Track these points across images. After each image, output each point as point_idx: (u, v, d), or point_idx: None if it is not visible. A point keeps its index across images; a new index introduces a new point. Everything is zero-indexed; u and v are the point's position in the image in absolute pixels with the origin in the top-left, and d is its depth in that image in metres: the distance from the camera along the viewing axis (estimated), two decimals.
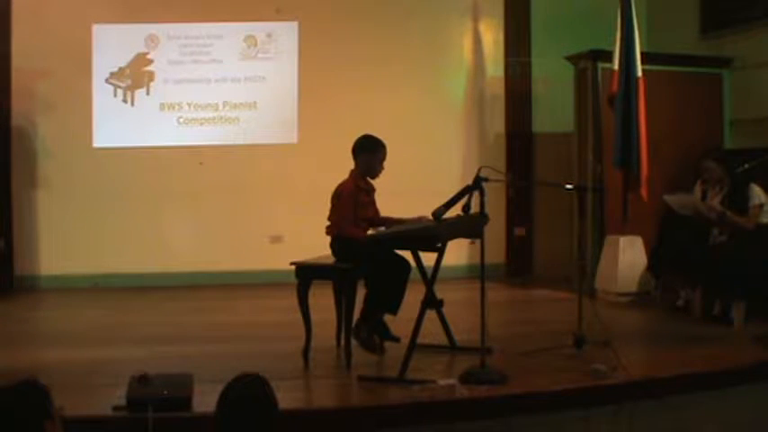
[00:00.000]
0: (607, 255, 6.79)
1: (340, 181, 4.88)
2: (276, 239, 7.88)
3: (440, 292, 4.65)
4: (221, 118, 8.07)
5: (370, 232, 4.62)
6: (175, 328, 5.90)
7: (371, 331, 4.74)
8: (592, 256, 6.97)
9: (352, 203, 4.74)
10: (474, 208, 4.35)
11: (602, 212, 7.02)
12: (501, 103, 8.40)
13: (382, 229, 4.77)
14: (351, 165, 4.91)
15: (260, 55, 8.12)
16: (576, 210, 7.04)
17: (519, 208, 8.29)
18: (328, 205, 4.87)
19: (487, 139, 8.43)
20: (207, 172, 7.94)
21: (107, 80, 7.92)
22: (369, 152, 4.86)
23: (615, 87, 6.54)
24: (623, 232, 6.72)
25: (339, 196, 4.78)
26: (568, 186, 5.40)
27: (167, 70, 8.00)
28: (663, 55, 7.30)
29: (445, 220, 4.39)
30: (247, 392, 2.68)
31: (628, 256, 6.64)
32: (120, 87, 7.95)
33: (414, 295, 4.62)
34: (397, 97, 8.03)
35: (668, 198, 6.15)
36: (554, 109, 8.02)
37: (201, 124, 8.05)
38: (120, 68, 7.95)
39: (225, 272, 7.87)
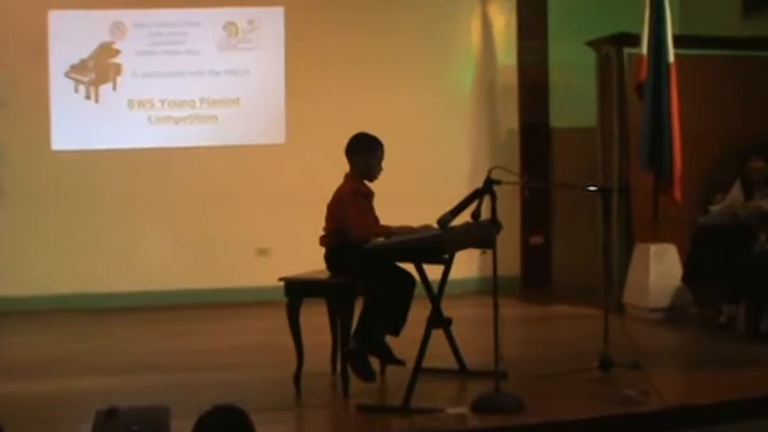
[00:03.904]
0: (636, 265, 6.79)
1: (333, 186, 4.88)
2: (262, 252, 7.88)
3: (447, 309, 4.64)
4: (199, 116, 8.09)
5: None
6: (148, 354, 5.90)
7: (365, 353, 4.72)
8: (619, 266, 6.96)
9: (355, 204, 4.75)
10: (484, 214, 4.35)
11: (629, 217, 7.02)
12: (514, 95, 8.41)
13: (382, 239, 4.76)
14: (345, 167, 4.91)
15: (242, 45, 8.13)
16: (601, 214, 7.03)
17: (535, 213, 8.30)
18: (321, 213, 4.87)
19: (499, 135, 8.44)
20: (183, 177, 7.95)
21: (67, 74, 7.92)
22: (365, 152, 4.86)
23: (643, 75, 6.54)
24: (654, 239, 6.72)
25: (339, 201, 4.79)
26: (591, 188, 5.39)
27: (136, 62, 8.00)
28: (699, 37, 7.31)
29: (452, 228, 4.37)
30: (222, 426, 2.68)
31: (660, 267, 6.63)
32: (82, 82, 7.95)
33: (418, 313, 4.62)
34: (397, 91, 8.05)
35: (704, 221, 6.16)
36: (574, 101, 8.03)
37: (176, 123, 8.06)
38: (82, 60, 7.95)
39: (204, 290, 7.86)
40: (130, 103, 8.01)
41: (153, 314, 7.42)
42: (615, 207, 6.93)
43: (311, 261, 4.93)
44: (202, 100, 8.09)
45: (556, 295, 8.00)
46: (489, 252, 4.36)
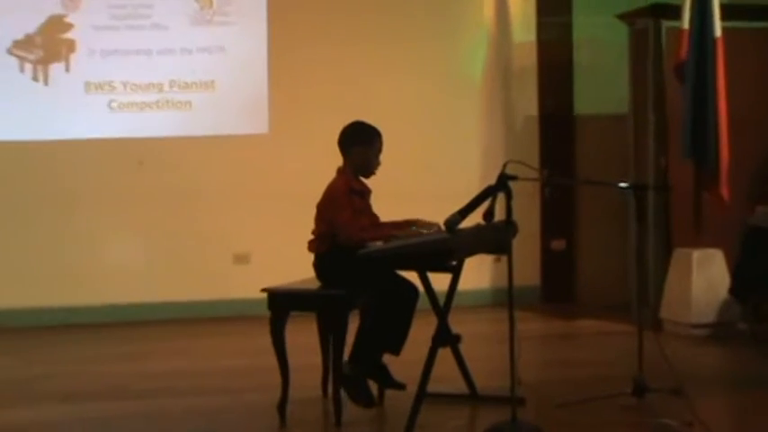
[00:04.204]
0: (676, 274, 6.79)
1: (323, 182, 4.89)
2: (241, 259, 7.88)
3: (456, 324, 4.68)
4: (167, 102, 8.08)
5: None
6: (107, 378, 5.88)
7: (363, 376, 4.72)
8: (655, 275, 6.97)
9: (348, 203, 4.77)
10: (498, 215, 4.35)
11: (667, 218, 7.04)
12: (533, 78, 8.43)
13: (380, 243, 4.76)
14: (337, 161, 4.92)
15: (217, 18, 8.12)
16: (633, 215, 7.03)
17: (557, 214, 8.32)
18: (309, 213, 4.87)
19: (515, 124, 8.45)
20: (149, 172, 7.94)
21: (10, 50, 7.89)
22: (362, 144, 4.87)
23: (684, 53, 6.54)
24: (697, 244, 6.72)
25: (331, 200, 4.79)
26: (622, 185, 5.39)
27: (93, 38, 7.97)
28: (751, 7, 7.31)
29: (461, 230, 4.37)
30: None
31: (704, 276, 6.64)
32: (28, 60, 7.92)
33: (422, 329, 4.61)
34: (397, 73, 8.06)
35: (756, 222, 6.17)
36: (602, 84, 8.06)
37: (141, 110, 8.05)
38: (28, 35, 7.92)
39: (175, 303, 7.85)
40: (87, 86, 7.99)
41: (115, 331, 7.41)
42: (651, 206, 6.94)
43: (298, 269, 4.94)
44: (172, 83, 8.08)
45: (581, 309, 8.01)
46: (504, 258, 4.37)
